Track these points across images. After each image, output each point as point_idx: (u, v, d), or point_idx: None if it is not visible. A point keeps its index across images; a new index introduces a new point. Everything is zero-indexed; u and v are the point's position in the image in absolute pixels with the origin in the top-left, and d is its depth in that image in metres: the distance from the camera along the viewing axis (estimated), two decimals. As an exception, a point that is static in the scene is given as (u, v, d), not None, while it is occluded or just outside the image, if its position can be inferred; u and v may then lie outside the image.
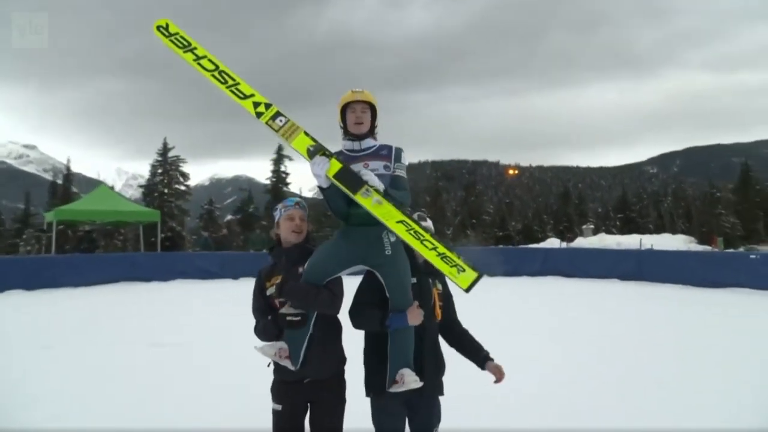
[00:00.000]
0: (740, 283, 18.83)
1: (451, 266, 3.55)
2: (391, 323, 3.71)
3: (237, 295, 15.64)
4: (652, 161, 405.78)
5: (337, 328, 3.98)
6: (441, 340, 4.12)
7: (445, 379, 4.06)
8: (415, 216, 3.89)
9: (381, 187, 3.65)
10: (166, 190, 48.84)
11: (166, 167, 50.23)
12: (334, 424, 3.87)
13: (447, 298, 4.15)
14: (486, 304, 13.73)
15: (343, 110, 3.90)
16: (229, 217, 63.85)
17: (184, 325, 12.92)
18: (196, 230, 52.46)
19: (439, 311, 4.02)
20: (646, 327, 12.30)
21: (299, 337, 3.75)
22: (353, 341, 4.06)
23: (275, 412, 3.88)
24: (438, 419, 3.96)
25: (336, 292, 3.80)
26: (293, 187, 57.36)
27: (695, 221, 68.78)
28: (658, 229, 64.68)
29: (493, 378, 4.01)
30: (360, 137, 3.87)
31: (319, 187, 3.75)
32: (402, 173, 3.86)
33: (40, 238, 41.96)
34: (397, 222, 3.59)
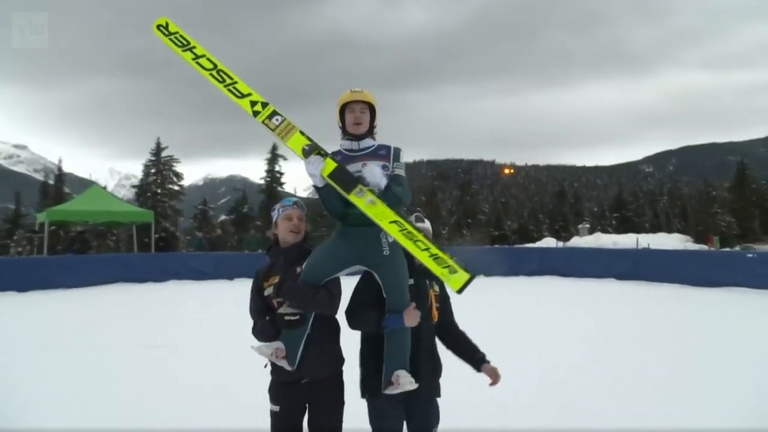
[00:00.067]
0: (737, 282, 18.80)
1: (443, 267, 3.56)
2: (387, 324, 3.69)
3: (232, 296, 15.70)
4: (648, 160, 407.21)
5: (335, 328, 3.96)
6: (438, 342, 4.11)
7: (444, 379, 4.04)
8: (413, 217, 3.97)
9: (383, 181, 3.65)
10: (159, 190, 48.65)
11: (160, 167, 50.02)
12: (333, 425, 3.85)
13: (444, 299, 4.13)
14: (483, 304, 13.77)
15: (342, 110, 3.88)
16: (223, 217, 63.69)
17: (179, 326, 12.86)
18: (189, 230, 52.29)
19: (435, 313, 4.00)
20: (643, 326, 12.27)
21: (296, 338, 3.73)
22: (351, 342, 4.05)
23: (273, 413, 3.84)
24: (437, 420, 3.95)
25: (334, 292, 3.79)
26: (288, 187, 57.30)
27: (691, 220, 68.95)
28: (654, 228, 64.79)
29: (489, 380, 4.00)
30: (359, 137, 3.85)
31: (315, 187, 3.75)
32: (401, 172, 3.84)
33: (32, 239, 41.69)
34: (391, 222, 3.59)
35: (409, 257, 3.79)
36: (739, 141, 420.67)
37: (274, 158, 53.24)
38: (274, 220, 4.06)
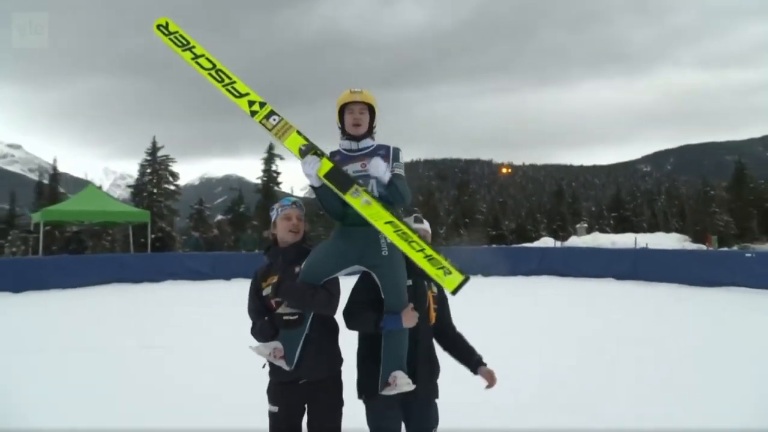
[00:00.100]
0: (736, 282, 18.78)
1: (438, 268, 3.54)
2: (385, 325, 3.68)
3: (229, 296, 15.77)
4: (646, 159, 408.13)
5: (334, 328, 3.95)
6: (435, 344, 4.11)
7: (444, 379, 4.04)
8: (412, 218, 3.97)
9: (387, 174, 3.66)
10: (155, 190, 48.48)
11: (155, 167, 49.85)
12: (332, 425, 3.85)
13: (442, 301, 4.11)
14: (482, 304, 13.85)
15: (341, 110, 3.86)
16: (219, 217, 63.56)
17: (176, 326, 12.84)
18: (186, 230, 52.09)
19: (433, 314, 3.99)
20: (642, 326, 12.30)
21: (295, 338, 3.73)
22: (350, 342, 4.03)
23: (271, 414, 3.83)
24: (436, 421, 3.95)
25: (333, 292, 3.78)
26: (284, 187, 57.32)
27: (689, 220, 68.99)
28: (652, 228, 64.89)
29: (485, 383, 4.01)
30: (358, 137, 3.84)
31: (312, 187, 3.75)
32: (401, 172, 3.83)
33: (27, 239, 41.51)
34: (386, 223, 3.58)
35: (408, 258, 3.73)
36: (737, 140, 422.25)
37: (270, 158, 53.11)
38: (272, 219, 4.05)
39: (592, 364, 8.70)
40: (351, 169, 3.73)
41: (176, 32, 3.98)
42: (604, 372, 8.22)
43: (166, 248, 42.17)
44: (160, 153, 50.40)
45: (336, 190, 3.64)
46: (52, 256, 27.63)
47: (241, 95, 3.90)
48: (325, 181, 3.65)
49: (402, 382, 3.63)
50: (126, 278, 22.04)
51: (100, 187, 45.29)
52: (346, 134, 3.86)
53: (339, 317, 3.88)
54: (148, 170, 49.86)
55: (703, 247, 40.35)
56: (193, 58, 3.94)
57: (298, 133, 3.80)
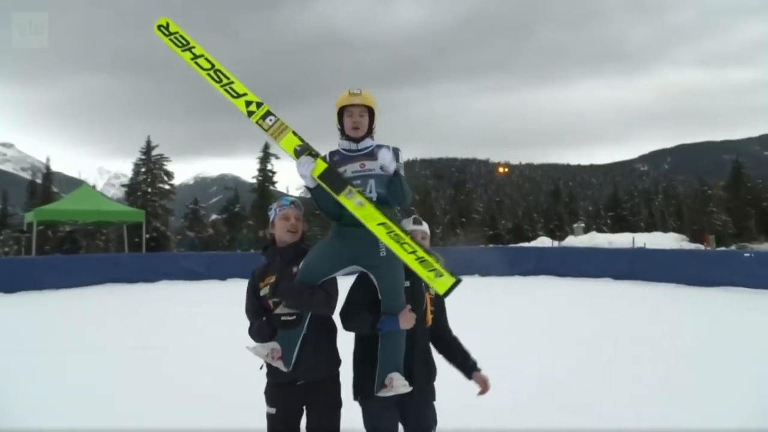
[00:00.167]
0: (734, 282, 18.66)
1: (429, 270, 3.56)
2: (382, 326, 3.69)
3: (225, 296, 15.74)
4: (643, 158, 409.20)
5: (332, 329, 3.94)
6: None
7: (442, 378, 4.04)
8: (411, 219, 4.06)
9: (393, 165, 3.68)
10: (149, 190, 48.28)
11: (150, 166, 49.62)
12: (331, 426, 3.84)
13: (439, 304, 4.09)
14: (479, 304, 13.84)
15: (340, 112, 3.86)
16: (214, 216, 63.39)
17: (172, 327, 12.81)
18: (180, 230, 51.95)
19: (430, 316, 3.97)
20: (640, 326, 12.29)
21: (292, 338, 3.72)
22: (349, 343, 4.03)
23: (269, 416, 3.82)
24: (434, 422, 3.95)
25: (331, 292, 3.78)
26: (280, 186, 57.08)
27: (686, 219, 68.97)
28: (649, 227, 64.93)
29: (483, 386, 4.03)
30: (357, 139, 3.84)
31: (307, 188, 3.78)
32: (401, 172, 3.83)
33: (20, 238, 41.35)
34: (378, 224, 3.60)
35: None
36: (734, 139, 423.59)
37: (266, 157, 52.93)
38: (270, 219, 4.05)
39: (590, 364, 8.68)
40: (350, 169, 3.74)
41: (176, 32, 4.01)
42: (601, 372, 8.21)
43: (161, 248, 41.90)
44: (154, 152, 50.17)
45: (330, 191, 3.65)
46: (45, 256, 27.47)
47: (239, 95, 3.92)
48: (320, 182, 3.67)
49: (398, 384, 3.63)
50: (121, 278, 22.00)
51: (93, 187, 45.33)
52: (345, 135, 3.85)
53: (337, 318, 3.87)
54: (143, 169, 49.65)
55: (701, 246, 40.30)
56: (192, 59, 3.98)
57: (294, 133, 3.83)
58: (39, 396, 7.17)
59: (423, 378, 3.88)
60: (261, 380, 3.93)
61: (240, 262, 23.36)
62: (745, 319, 13.23)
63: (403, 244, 3.58)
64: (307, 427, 3.84)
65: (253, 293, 3.93)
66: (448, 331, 4.18)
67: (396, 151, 3.79)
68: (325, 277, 3.76)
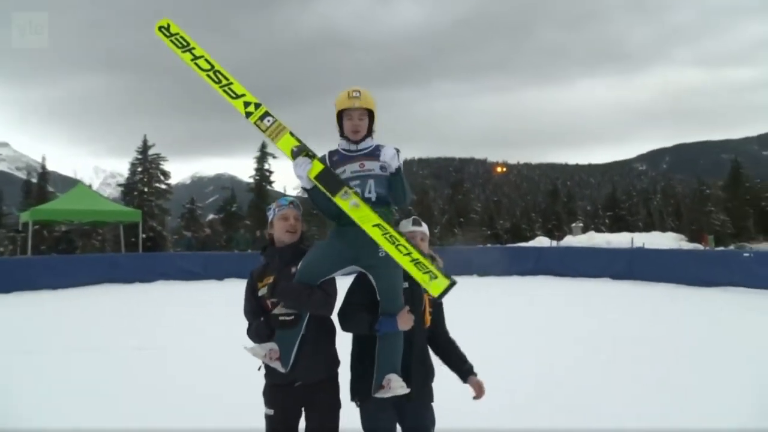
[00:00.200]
0: (733, 282, 18.65)
1: (424, 273, 3.54)
2: (380, 327, 3.67)
3: (222, 296, 16.04)
4: (642, 158, 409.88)
5: (331, 329, 3.91)
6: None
7: (440, 378, 4.04)
8: (411, 220, 4.06)
9: (395, 162, 3.69)
10: (146, 189, 47.96)
11: (146, 165, 49.29)
12: (330, 426, 3.82)
13: (437, 306, 4.08)
14: (478, 304, 13.82)
15: (340, 113, 3.84)
16: (211, 216, 63.27)
17: (170, 327, 12.78)
18: (177, 230, 51.86)
19: (428, 318, 3.97)
20: (639, 326, 12.28)
21: (290, 339, 3.70)
22: (347, 344, 4.00)
23: (267, 417, 3.81)
24: (432, 424, 3.95)
25: (330, 292, 3.76)
26: (277, 186, 56.90)
27: (685, 219, 68.99)
28: (648, 227, 64.98)
29: (482, 388, 4.00)
30: (357, 141, 3.84)
31: (304, 189, 3.78)
32: (401, 171, 3.84)
33: (15, 238, 41.24)
34: (374, 225, 3.59)
35: None
36: (733, 139, 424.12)
37: (263, 156, 52.74)
38: (269, 219, 4.03)
39: (589, 364, 8.68)
40: (349, 169, 3.72)
41: (177, 34, 4.02)
42: (600, 372, 8.20)
43: (158, 248, 41.89)
44: (151, 151, 49.82)
45: (326, 192, 3.66)
46: (41, 256, 27.48)
47: (238, 96, 3.93)
48: (316, 183, 3.67)
49: (396, 385, 3.61)
50: (117, 278, 22.00)
51: (89, 186, 45.04)
52: (345, 137, 3.84)
53: (336, 318, 3.87)
54: (139, 169, 49.34)
55: (700, 246, 40.30)
56: (192, 60, 3.99)
57: (291, 134, 3.84)
58: (42, 396, 7.18)
59: (420, 379, 3.86)
60: (263, 380, 3.91)
61: (237, 262, 23.35)
62: (744, 320, 13.21)
63: (399, 245, 3.56)
64: (307, 429, 3.81)
65: (251, 294, 3.90)
66: (446, 333, 4.15)
67: (396, 152, 3.78)
68: (324, 278, 3.73)
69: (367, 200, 3.66)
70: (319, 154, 3.79)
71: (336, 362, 3.92)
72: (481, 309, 13.38)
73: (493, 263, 23.82)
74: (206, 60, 3.99)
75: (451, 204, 75.50)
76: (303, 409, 3.82)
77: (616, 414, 6.24)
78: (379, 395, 3.65)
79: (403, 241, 3.59)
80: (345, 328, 3.85)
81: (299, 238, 3.97)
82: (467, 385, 4.05)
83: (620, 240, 40.24)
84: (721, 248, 40.58)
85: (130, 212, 31.02)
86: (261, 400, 3.88)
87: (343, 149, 3.83)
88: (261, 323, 3.78)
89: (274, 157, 52.17)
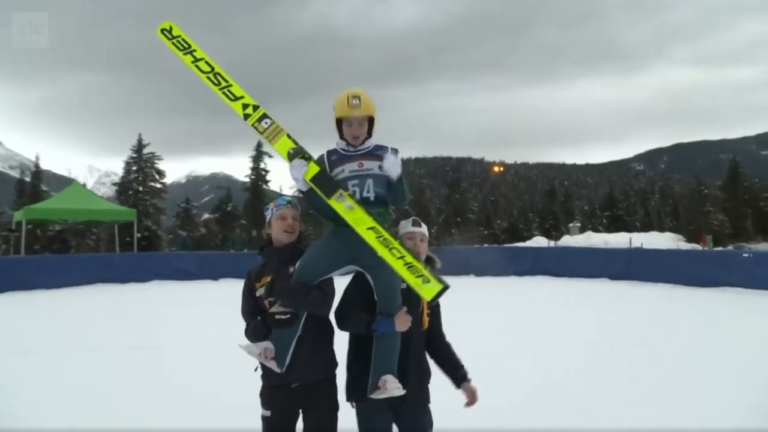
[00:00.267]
0: (732, 282, 18.60)
1: (417, 276, 3.53)
2: (378, 327, 3.66)
3: (218, 296, 16.12)
4: (639, 158, 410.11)
5: (328, 329, 3.91)
6: None
7: (437, 379, 4.03)
8: (410, 221, 4.03)
9: (396, 170, 3.69)
10: (141, 188, 48.03)
11: (141, 164, 49.37)
12: (330, 426, 3.82)
13: (435, 307, 4.07)
14: (474, 304, 13.78)
15: (339, 119, 3.84)
16: (206, 215, 63.24)
17: (166, 327, 12.75)
18: (172, 229, 51.79)
19: (426, 319, 3.96)
20: (637, 327, 12.26)
21: (287, 338, 3.69)
22: (346, 345, 4.00)
23: (264, 419, 3.79)
24: (430, 425, 3.95)
25: (327, 291, 3.77)
26: (273, 185, 56.92)
27: (683, 219, 69.17)
28: (646, 227, 65.12)
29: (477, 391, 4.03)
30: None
31: (300, 191, 3.81)
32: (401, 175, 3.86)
33: (8, 238, 41.05)
34: (368, 228, 3.60)
35: None
36: (731, 138, 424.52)
37: (259, 156, 52.81)
38: (267, 219, 4.02)
39: (586, 365, 8.67)
40: (348, 168, 3.74)
41: (179, 36, 4.07)
42: (598, 373, 8.18)
43: (153, 247, 41.82)
44: (146, 150, 49.91)
45: (321, 195, 3.68)
46: (34, 256, 27.31)
47: (236, 98, 3.97)
48: (312, 185, 3.69)
49: (392, 387, 3.60)
50: (112, 278, 21.89)
51: (84, 185, 44.99)
52: (344, 140, 3.85)
53: (333, 318, 3.88)
54: (134, 168, 49.40)
55: (698, 246, 40.28)
56: (193, 62, 4.03)
57: (288, 136, 3.86)
58: (38, 396, 7.16)
59: (417, 381, 3.86)
60: (260, 381, 3.90)
61: (233, 261, 23.27)
62: (742, 320, 13.16)
63: (392, 249, 3.56)
64: (305, 430, 3.81)
65: (249, 294, 3.90)
66: (442, 337, 4.14)
67: (395, 153, 3.80)
68: (322, 277, 3.73)
69: (365, 200, 3.68)
70: (315, 155, 3.81)
71: (334, 363, 3.90)
72: (478, 309, 13.35)
73: (490, 263, 23.77)
74: (206, 62, 4.02)
75: (448, 203, 75.54)
76: (300, 410, 3.79)
77: (614, 415, 6.22)
78: (374, 396, 3.62)
79: (396, 244, 3.58)
80: (342, 327, 3.84)
81: (297, 237, 3.97)
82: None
83: (618, 240, 40.27)
84: (720, 248, 40.62)
85: (124, 211, 30.95)
86: (258, 400, 3.86)
87: (342, 149, 3.84)
88: (258, 323, 3.76)
89: (270, 157, 52.36)
